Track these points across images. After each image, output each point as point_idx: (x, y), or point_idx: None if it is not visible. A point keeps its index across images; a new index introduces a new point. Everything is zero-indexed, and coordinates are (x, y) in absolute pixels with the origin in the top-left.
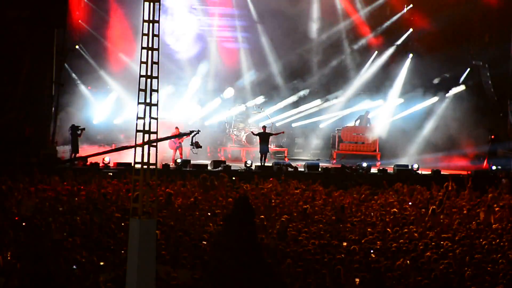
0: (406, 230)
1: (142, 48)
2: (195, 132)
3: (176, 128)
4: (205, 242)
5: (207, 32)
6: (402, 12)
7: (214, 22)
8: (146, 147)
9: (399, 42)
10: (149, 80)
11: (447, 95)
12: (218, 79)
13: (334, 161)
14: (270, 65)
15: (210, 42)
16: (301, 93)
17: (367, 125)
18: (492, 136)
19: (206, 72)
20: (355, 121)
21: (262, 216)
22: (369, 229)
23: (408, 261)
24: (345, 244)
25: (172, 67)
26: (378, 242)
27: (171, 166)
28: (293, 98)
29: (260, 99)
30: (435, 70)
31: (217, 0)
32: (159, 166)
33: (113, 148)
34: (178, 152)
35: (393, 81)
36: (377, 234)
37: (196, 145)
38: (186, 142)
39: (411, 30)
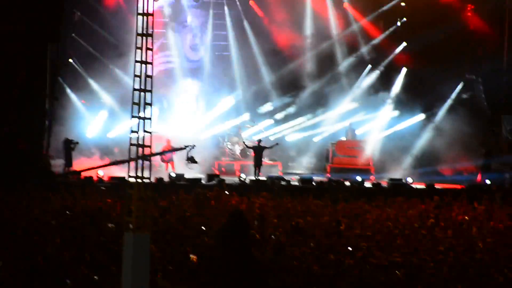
0: (400, 243)
1: (136, 61)
2: (190, 147)
3: (167, 140)
4: (195, 255)
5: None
6: (396, 25)
7: (208, 35)
8: (139, 161)
9: (392, 56)
10: (142, 93)
11: (440, 109)
12: (212, 92)
13: (328, 175)
14: (263, 78)
15: (204, 55)
16: (295, 107)
17: (354, 138)
18: (486, 150)
19: (201, 85)
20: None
21: (255, 231)
22: (363, 244)
23: (402, 275)
24: (332, 257)
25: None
26: (372, 256)
27: (164, 180)
28: (286, 112)
29: (254, 112)
30: (428, 84)
31: (211, 13)
32: (152, 180)
33: (106, 162)
34: (170, 165)
35: (387, 95)
36: (367, 249)
37: (192, 160)
38: (178, 155)
39: (404, 44)
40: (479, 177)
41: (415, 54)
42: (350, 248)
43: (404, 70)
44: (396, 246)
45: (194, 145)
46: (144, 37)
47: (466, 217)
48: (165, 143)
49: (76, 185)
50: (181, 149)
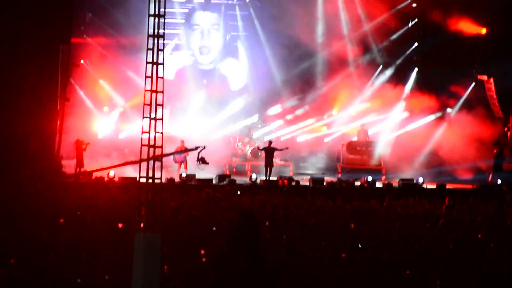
0: (410, 242)
1: (147, 62)
2: (201, 148)
3: (182, 141)
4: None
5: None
6: (407, 26)
7: (219, 36)
8: (151, 161)
9: (404, 56)
10: (154, 94)
11: (452, 109)
12: (223, 93)
13: (339, 175)
14: (275, 79)
15: (216, 57)
16: (306, 107)
17: (367, 139)
18: (497, 150)
19: (212, 85)
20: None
21: (266, 230)
22: (373, 242)
23: (412, 273)
24: (343, 255)
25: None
26: (382, 255)
27: (176, 180)
28: (297, 112)
29: (265, 113)
30: (440, 85)
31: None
32: (164, 180)
33: (118, 163)
34: (182, 166)
35: (398, 95)
36: (377, 247)
37: (202, 160)
38: (191, 156)
39: (416, 44)
40: (490, 177)
41: (427, 54)
42: (360, 246)
43: (415, 70)
44: (406, 245)
45: (205, 146)
46: (155, 38)
47: (477, 217)
48: (179, 144)
49: (87, 186)
50: (192, 150)
